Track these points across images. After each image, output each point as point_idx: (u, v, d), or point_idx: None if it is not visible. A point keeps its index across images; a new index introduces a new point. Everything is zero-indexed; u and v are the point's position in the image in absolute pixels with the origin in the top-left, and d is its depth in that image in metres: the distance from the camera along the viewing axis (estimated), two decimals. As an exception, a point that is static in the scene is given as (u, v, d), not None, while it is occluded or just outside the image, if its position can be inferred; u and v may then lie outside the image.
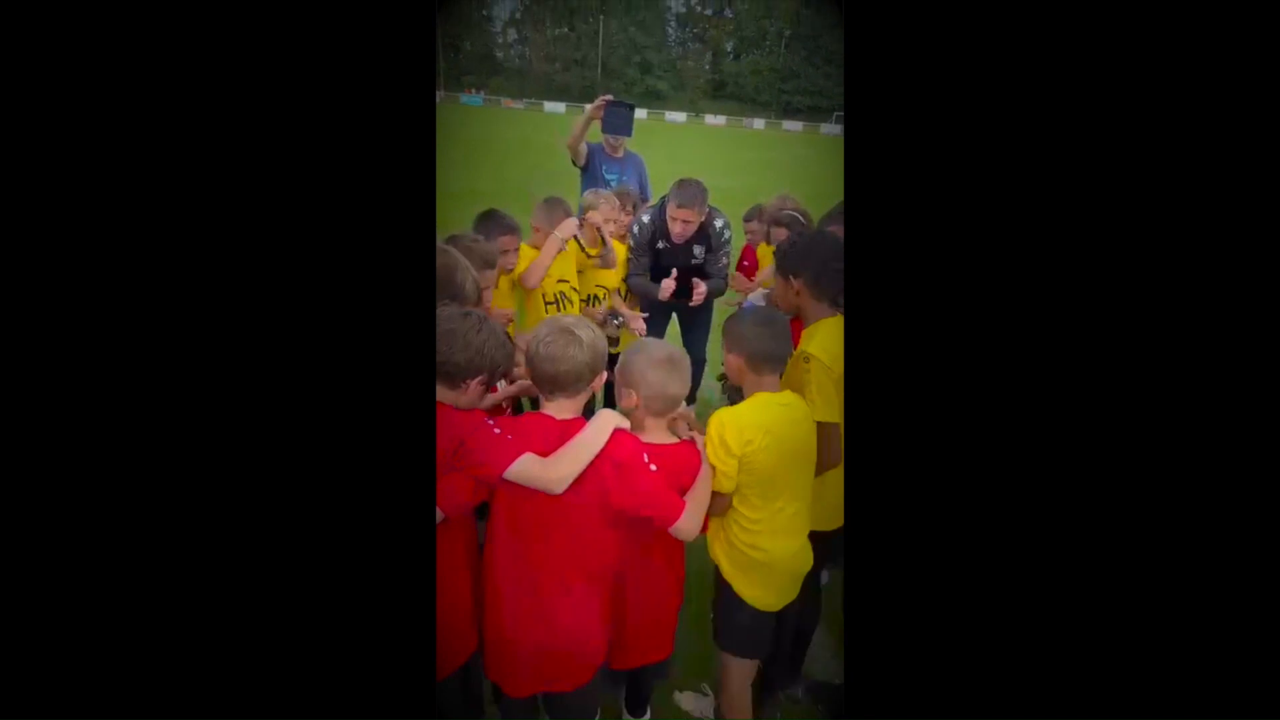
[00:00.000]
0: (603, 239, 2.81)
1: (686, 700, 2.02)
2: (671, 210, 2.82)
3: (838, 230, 1.95)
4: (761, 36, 71.39)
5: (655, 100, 61.37)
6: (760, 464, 1.48)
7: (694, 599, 1.76)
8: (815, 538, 1.68)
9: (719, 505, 1.52)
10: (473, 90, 55.72)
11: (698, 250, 3.01)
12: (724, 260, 3.11)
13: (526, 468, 1.26)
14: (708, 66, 74.18)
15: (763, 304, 2.29)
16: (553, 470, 1.27)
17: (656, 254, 3.01)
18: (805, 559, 1.65)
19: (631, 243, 3.03)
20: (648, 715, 1.87)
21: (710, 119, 54.78)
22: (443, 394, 1.38)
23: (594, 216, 2.72)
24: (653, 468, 1.37)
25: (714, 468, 1.47)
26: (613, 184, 3.65)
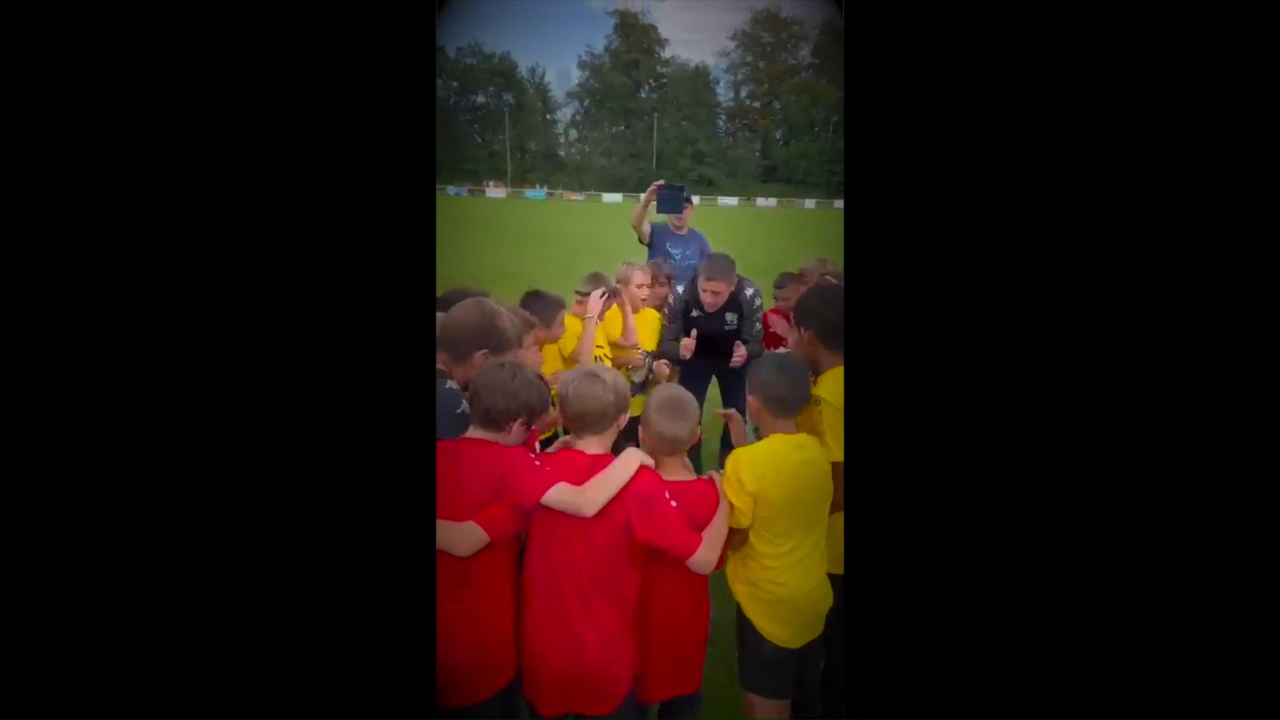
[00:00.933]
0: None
1: None
2: (702, 283, 3.05)
3: None
4: (809, 124, 74.32)
5: (707, 187, 64.09)
6: (775, 501, 1.59)
7: (721, 643, 1.79)
8: (835, 580, 1.73)
9: (736, 540, 1.63)
10: (537, 185, 60.02)
11: (730, 317, 3.22)
12: (758, 326, 3.32)
13: (560, 494, 1.44)
14: (758, 153, 77.40)
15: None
16: (584, 496, 1.44)
17: (691, 321, 3.23)
18: (824, 596, 1.71)
19: (667, 311, 3.33)
20: None
21: (761, 201, 56.56)
22: (489, 435, 1.57)
23: (628, 287, 2.99)
24: (672, 504, 1.51)
25: (731, 504, 1.58)
26: (676, 258, 3.99)
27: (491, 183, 57.59)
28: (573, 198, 53.46)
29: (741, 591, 1.70)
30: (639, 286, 3.07)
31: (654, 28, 77.42)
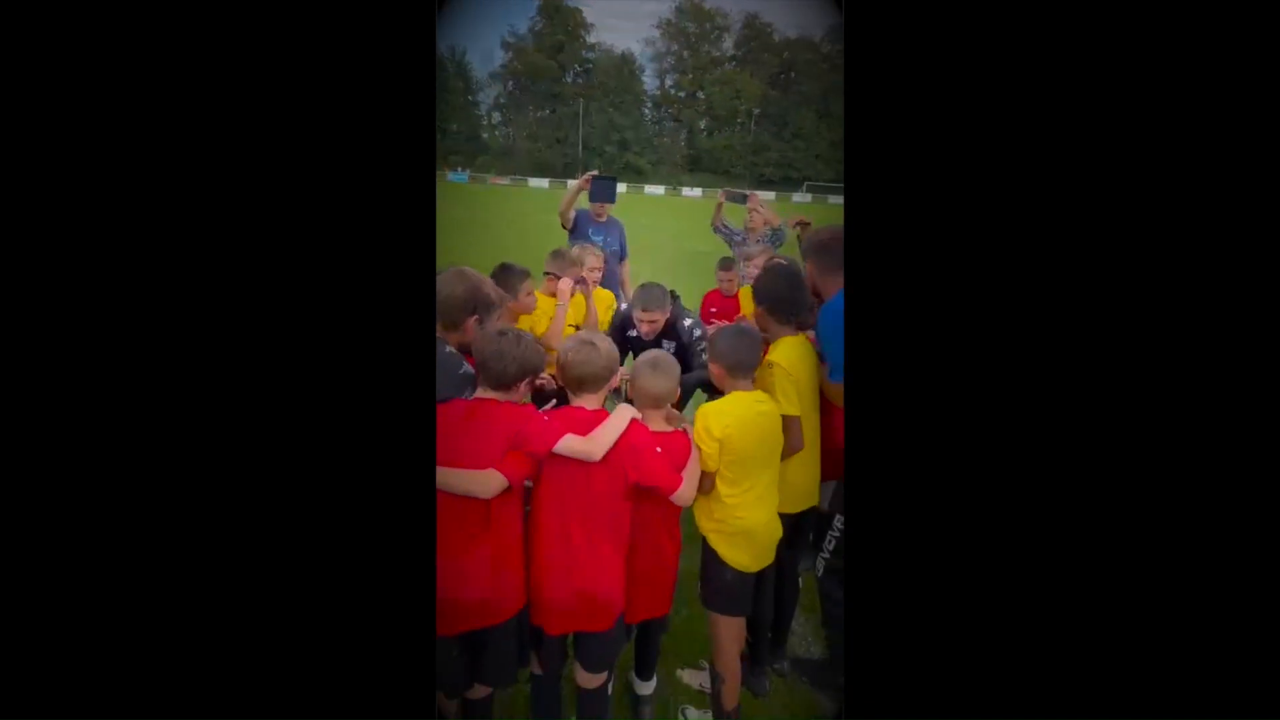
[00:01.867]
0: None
1: (688, 676, 2.37)
2: (637, 314, 3.03)
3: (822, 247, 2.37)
4: (733, 115, 75.99)
5: (635, 175, 64.40)
6: (737, 447, 1.91)
7: (690, 598, 2.11)
8: (783, 518, 2.10)
9: (705, 483, 1.94)
10: (459, 168, 58.23)
11: (667, 345, 3.17)
12: (704, 356, 3.33)
13: (571, 443, 1.70)
14: (683, 143, 78.38)
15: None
16: (592, 444, 1.71)
17: (627, 342, 3.24)
18: (776, 529, 2.07)
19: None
20: (654, 683, 2.20)
21: (687, 191, 57.45)
22: (500, 395, 1.79)
23: (578, 270, 3.22)
24: (658, 450, 1.81)
25: (700, 449, 1.90)
26: (599, 244, 4.20)
27: (411, 165, 55.20)
28: (498, 182, 52.29)
29: (708, 527, 2.01)
30: (592, 270, 3.30)
31: (579, 11, 76.45)
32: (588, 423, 1.76)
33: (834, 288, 2.16)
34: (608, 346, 1.84)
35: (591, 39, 77.25)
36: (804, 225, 3.12)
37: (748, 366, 2.01)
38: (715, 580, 2.04)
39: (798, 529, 2.26)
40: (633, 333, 3.35)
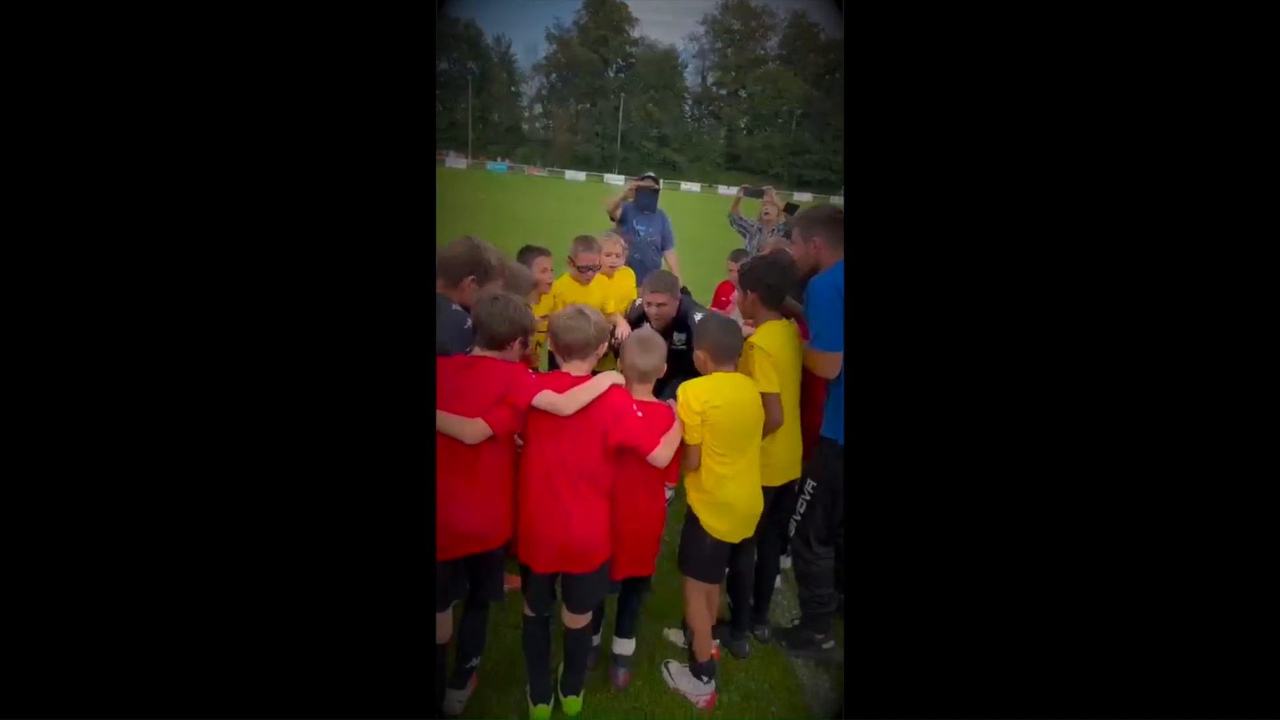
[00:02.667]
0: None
1: (673, 635, 2.51)
2: (645, 297, 3.12)
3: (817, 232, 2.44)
4: (774, 115, 75.33)
5: (671, 171, 64.38)
6: (719, 424, 2.02)
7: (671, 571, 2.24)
8: (766, 491, 2.21)
9: (692, 458, 2.06)
10: (499, 158, 59.05)
11: (678, 337, 3.22)
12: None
13: (546, 398, 1.85)
14: (722, 141, 78.05)
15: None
16: (563, 400, 1.86)
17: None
18: (757, 503, 2.17)
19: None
20: (632, 643, 2.34)
21: (724, 189, 57.27)
22: (494, 353, 1.95)
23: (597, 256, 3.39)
24: (639, 414, 1.94)
25: (682, 421, 2.02)
26: (642, 233, 4.54)
27: (452, 152, 56.32)
28: (535, 173, 52.88)
29: (695, 499, 2.14)
30: (608, 255, 3.49)
31: (624, 6, 76.59)
32: (569, 385, 1.90)
33: (834, 259, 2.25)
34: (598, 318, 1.98)
35: (636, 34, 77.48)
36: (792, 209, 3.18)
37: (729, 351, 2.12)
38: (694, 546, 2.16)
39: (779, 502, 2.37)
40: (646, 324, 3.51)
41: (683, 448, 2.05)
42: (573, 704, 2.11)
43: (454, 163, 50.95)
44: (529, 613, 2.06)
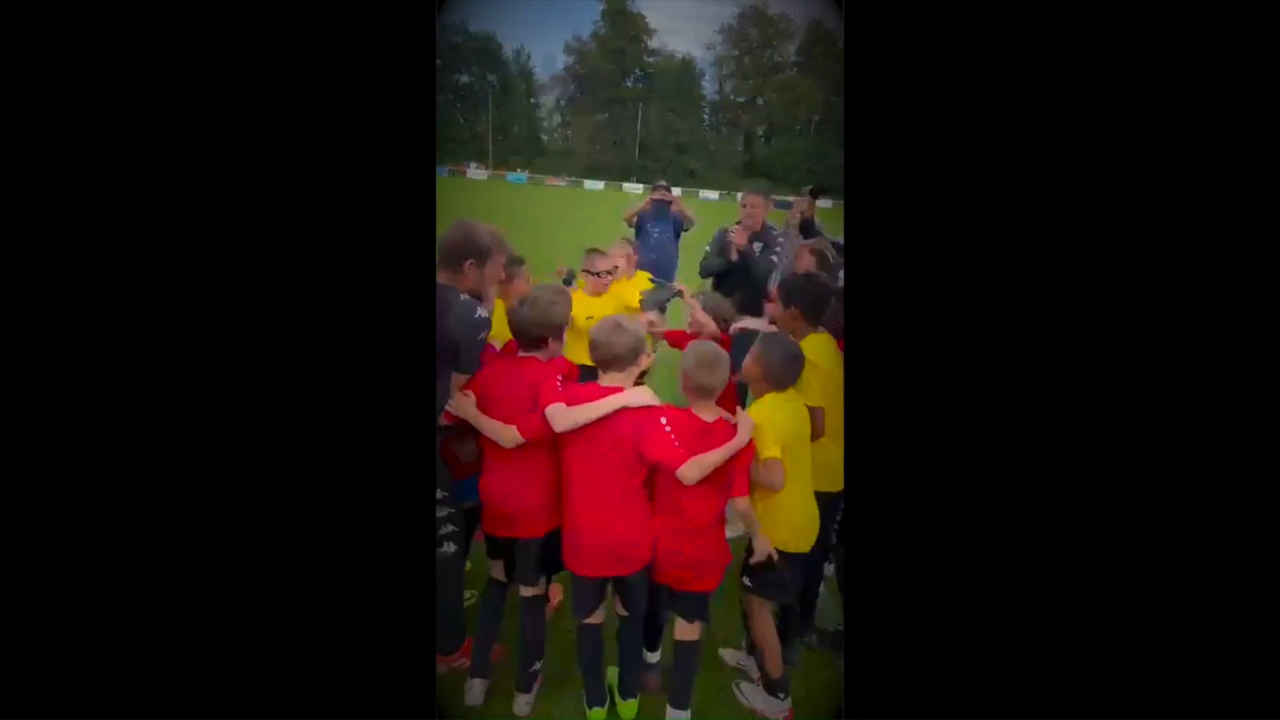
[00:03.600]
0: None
1: (728, 655, 2.57)
2: (742, 199, 3.93)
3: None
4: (792, 122, 75.13)
5: (689, 179, 64.48)
6: (785, 441, 2.07)
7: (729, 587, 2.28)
8: (820, 497, 2.27)
9: (776, 476, 2.06)
10: (518, 169, 59.71)
11: (758, 246, 3.79)
12: (784, 259, 3.79)
13: (551, 410, 1.91)
14: (740, 148, 78.01)
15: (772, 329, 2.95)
16: (561, 416, 1.90)
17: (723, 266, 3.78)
18: (815, 513, 2.23)
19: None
20: (658, 655, 2.38)
21: (741, 196, 57.05)
22: (534, 353, 2.06)
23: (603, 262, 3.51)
24: (667, 429, 1.95)
25: (759, 440, 2.02)
26: (655, 234, 5.08)
27: (473, 164, 57.09)
28: (554, 183, 53.38)
29: (760, 512, 2.14)
30: (614, 261, 3.68)
31: (642, 16, 77.10)
32: (593, 397, 1.94)
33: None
34: (636, 329, 2.02)
35: (653, 43, 77.94)
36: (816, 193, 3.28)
37: (787, 380, 2.17)
38: (759, 565, 2.18)
39: (830, 508, 2.43)
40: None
41: (760, 465, 2.04)
42: (629, 708, 2.18)
43: (475, 174, 51.65)
44: (577, 619, 2.14)
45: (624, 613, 2.16)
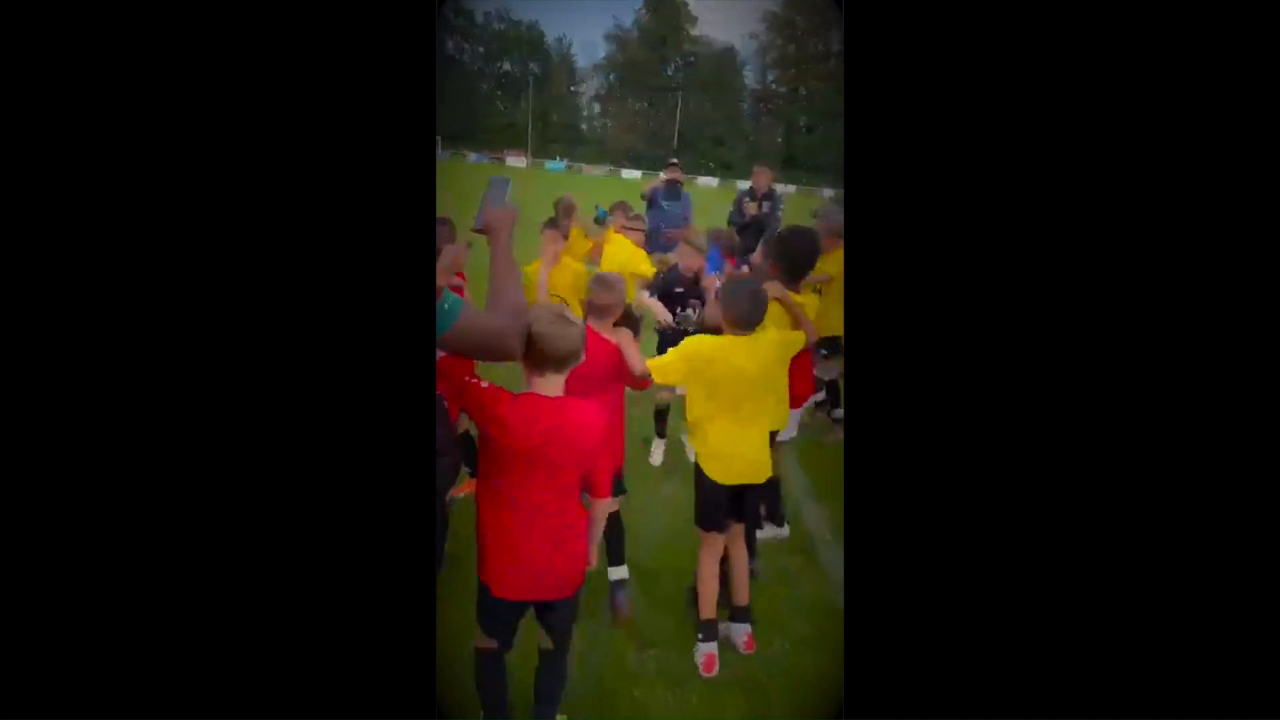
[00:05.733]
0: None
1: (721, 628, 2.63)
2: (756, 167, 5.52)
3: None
4: (834, 113, 73.59)
5: (726, 171, 63.90)
6: (716, 384, 2.19)
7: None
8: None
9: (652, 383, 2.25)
10: (557, 157, 60.07)
11: (765, 205, 5.12)
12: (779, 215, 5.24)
13: None
14: (780, 140, 76.85)
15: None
16: None
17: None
18: (755, 450, 2.30)
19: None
20: (626, 568, 2.56)
21: (780, 188, 56.43)
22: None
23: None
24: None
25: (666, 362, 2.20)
26: (667, 209, 5.68)
27: (512, 152, 57.63)
28: (592, 171, 53.53)
29: (699, 453, 2.32)
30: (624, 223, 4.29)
31: (684, 5, 76.38)
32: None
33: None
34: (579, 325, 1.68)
35: (695, 32, 77.13)
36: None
37: (755, 321, 2.23)
38: (699, 494, 2.32)
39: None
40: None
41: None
42: None
43: (514, 161, 52.14)
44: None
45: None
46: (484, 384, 1.64)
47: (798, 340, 2.44)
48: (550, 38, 75.26)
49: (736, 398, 2.25)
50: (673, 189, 5.75)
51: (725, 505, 2.31)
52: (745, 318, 2.20)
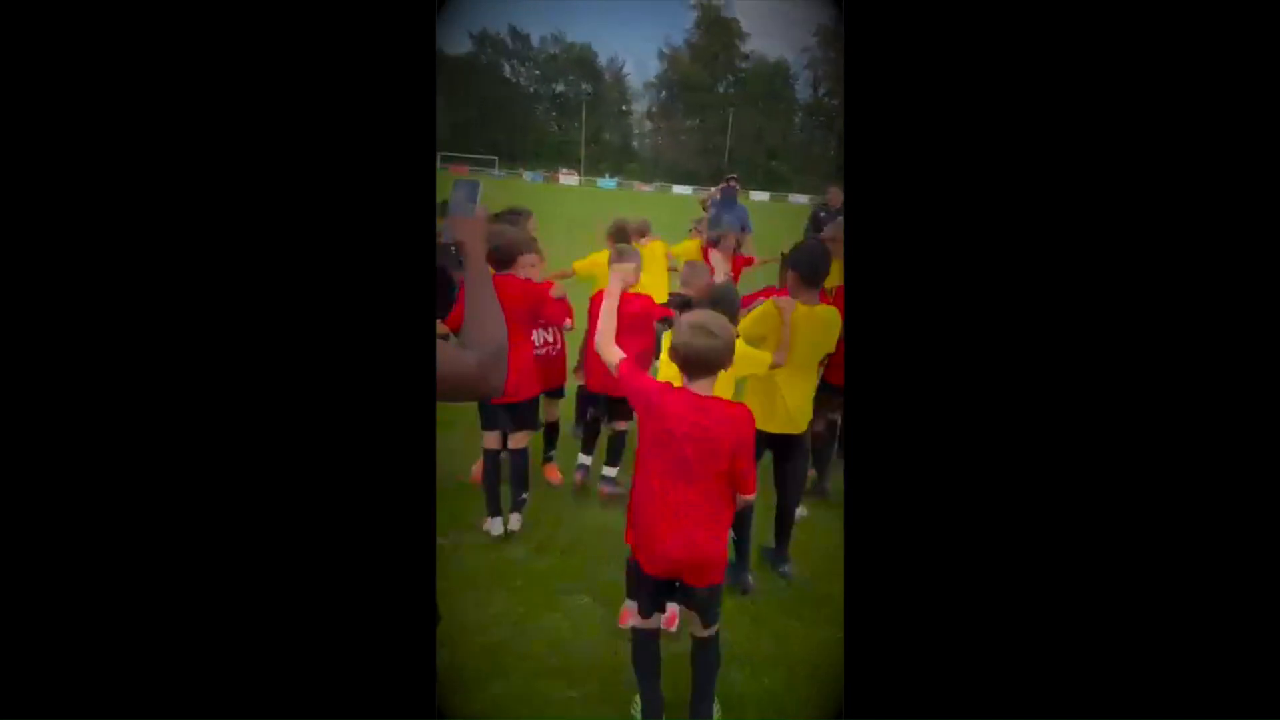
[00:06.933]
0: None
1: None
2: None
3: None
4: (889, 123, 72.10)
5: (778, 184, 63.54)
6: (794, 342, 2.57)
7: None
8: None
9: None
10: (608, 175, 61.17)
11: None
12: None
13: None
14: (832, 152, 75.91)
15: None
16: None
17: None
18: (808, 407, 2.72)
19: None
20: (618, 469, 3.01)
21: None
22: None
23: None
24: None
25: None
26: (725, 219, 5.87)
27: (565, 170, 59.07)
28: (643, 188, 54.21)
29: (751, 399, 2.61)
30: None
31: (736, 21, 76.92)
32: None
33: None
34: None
35: (746, 48, 77.45)
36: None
37: (821, 277, 2.61)
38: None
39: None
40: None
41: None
42: None
43: (567, 180, 53.39)
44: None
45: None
46: (651, 379, 1.90)
47: (762, 360, 2.45)
48: (603, 58, 77.13)
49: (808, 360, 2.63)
50: (729, 197, 6.25)
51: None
52: (814, 274, 2.63)
